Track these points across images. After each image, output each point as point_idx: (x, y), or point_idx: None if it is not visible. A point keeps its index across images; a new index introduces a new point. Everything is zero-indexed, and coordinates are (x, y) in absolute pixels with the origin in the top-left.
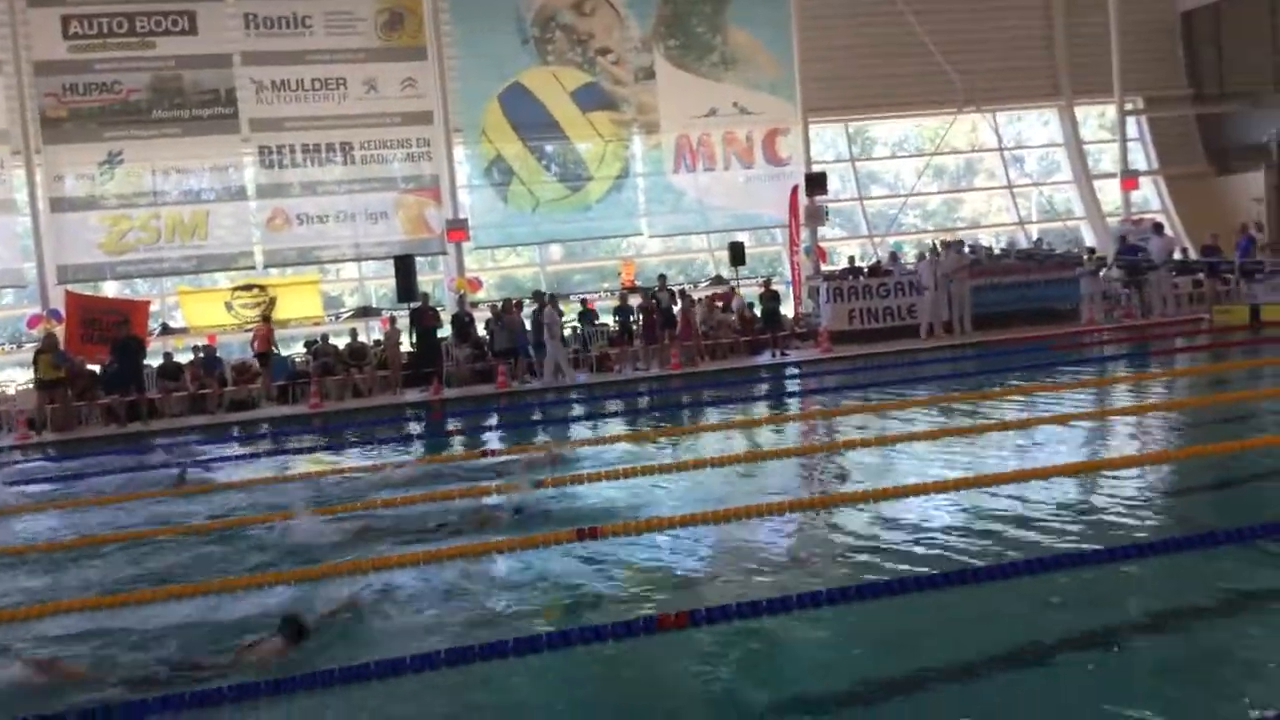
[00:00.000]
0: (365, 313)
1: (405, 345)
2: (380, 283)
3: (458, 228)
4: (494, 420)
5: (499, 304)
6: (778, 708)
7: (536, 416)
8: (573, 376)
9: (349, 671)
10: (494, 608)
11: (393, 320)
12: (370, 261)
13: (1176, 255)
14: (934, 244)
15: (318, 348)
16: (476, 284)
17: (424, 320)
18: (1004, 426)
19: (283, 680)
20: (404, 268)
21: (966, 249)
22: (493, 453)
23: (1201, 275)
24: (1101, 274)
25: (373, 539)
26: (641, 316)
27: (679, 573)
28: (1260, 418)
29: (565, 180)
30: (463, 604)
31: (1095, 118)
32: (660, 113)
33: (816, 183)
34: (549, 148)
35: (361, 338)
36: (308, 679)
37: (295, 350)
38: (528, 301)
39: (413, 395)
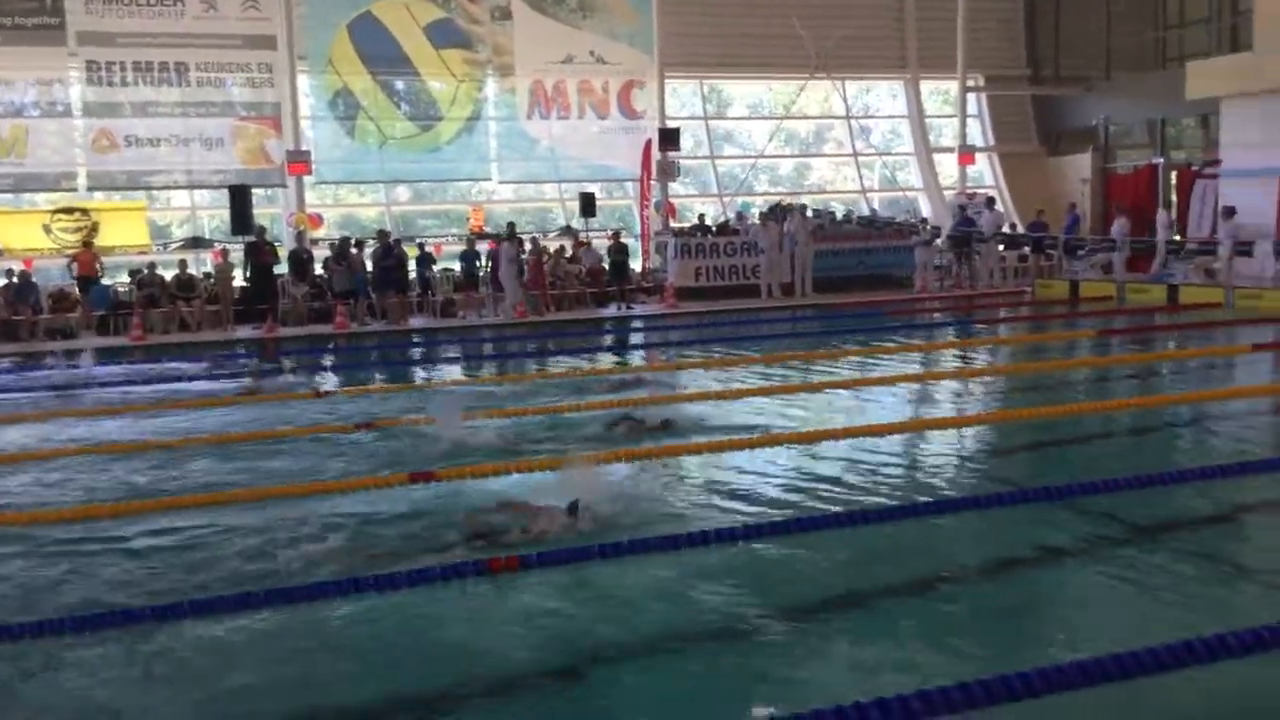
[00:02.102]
0: (196, 244)
1: (238, 280)
2: (213, 213)
3: (299, 160)
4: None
5: (336, 242)
6: (605, 650)
7: (382, 357)
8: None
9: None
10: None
11: (225, 253)
12: (203, 190)
13: (1005, 230)
14: (780, 205)
15: (143, 277)
16: (317, 220)
17: (259, 255)
18: (837, 385)
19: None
20: (240, 199)
21: (810, 213)
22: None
23: (1028, 250)
24: (938, 242)
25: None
26: (490, 263)
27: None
28: (1073, 386)
29: (415, 119)
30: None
31: (939, 93)
32: (515, 56)
33: (670, 138)
34: (399, 84)
35: (191, 270)
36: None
37: (119, 280)
38: (370, 241)
39: (244, 332)
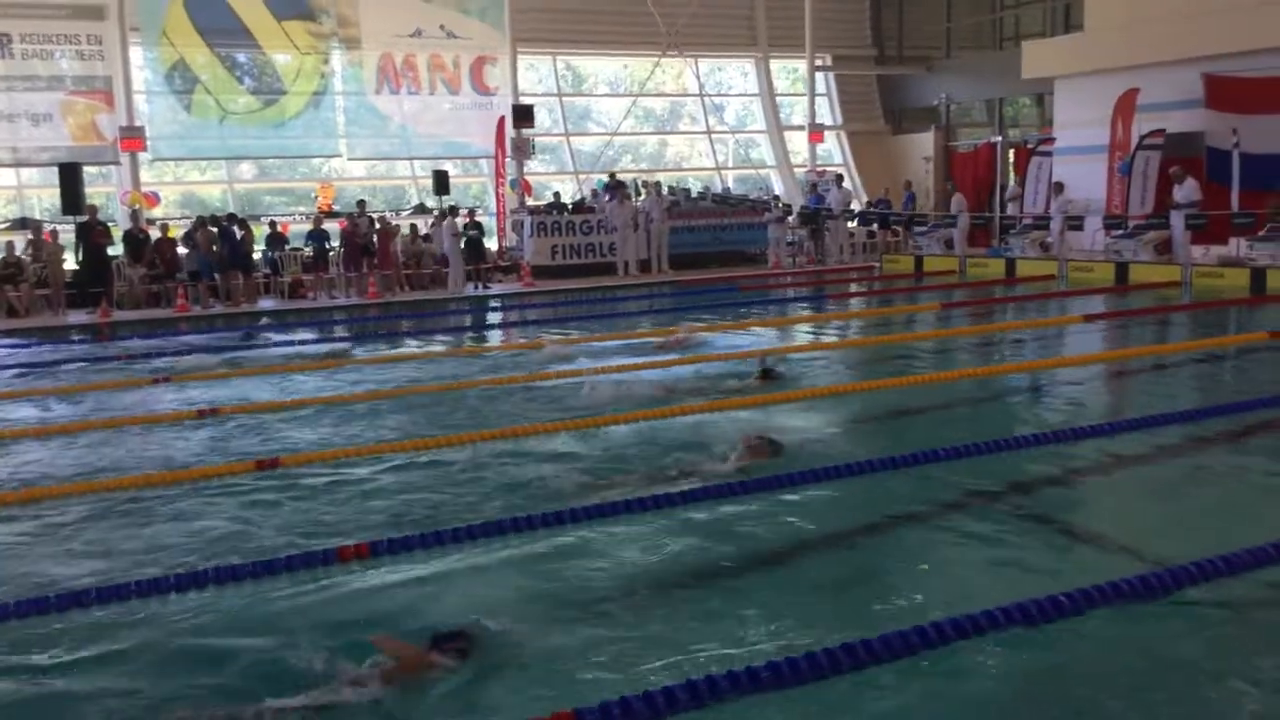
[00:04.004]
0: (24, 225)
1: (70, 263)
2: (43, 193)
3: (132, 136)
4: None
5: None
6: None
7: (225, 341)
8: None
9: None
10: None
11: (55, 234)
12: (31, 169)
13: (855, 207)
14: (635, 184)
15: None
16: (153, 199)
17: (92, 236)
18: (693, 361)
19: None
20: (70, 177)
21: (666, 190)
22: None
23: (875, 226)
24: (789, 219)
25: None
26: (342, 243)
27: (363, 505)
28: (919, 357)
29: (259, 93)
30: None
31: (790, 71)
32: (362, 29)
33: (523, 115)
34: (241, 57)
35: (19, 252)
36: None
37: None
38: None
39: (77, 317)
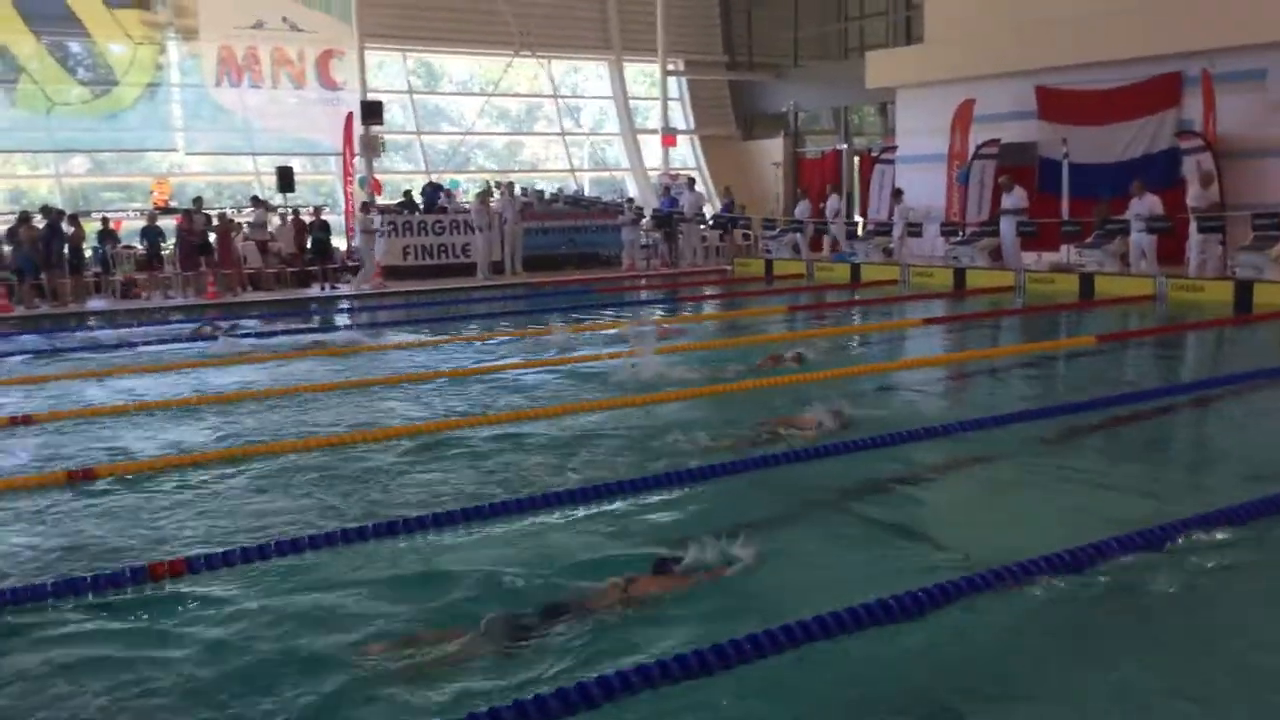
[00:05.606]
0: None
1: None
2: None
3: None
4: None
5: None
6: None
7: (47, 344)
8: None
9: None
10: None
11: None
12: None
13: (706, 211)
14: (488, 185)
15: None
16: None
17: None
18: (547, 364)
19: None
20: None
21: (519, 191)
22: None
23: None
24: (643, 222)
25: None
26: (178, 241)
27: (183, 519)
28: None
29: (91, 84)
30: None
31: (646, 75)
32: (200, 18)
33: (372, 112)
34: (74, 46)
35: None
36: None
37: None
38: (37, 217)
39: None
